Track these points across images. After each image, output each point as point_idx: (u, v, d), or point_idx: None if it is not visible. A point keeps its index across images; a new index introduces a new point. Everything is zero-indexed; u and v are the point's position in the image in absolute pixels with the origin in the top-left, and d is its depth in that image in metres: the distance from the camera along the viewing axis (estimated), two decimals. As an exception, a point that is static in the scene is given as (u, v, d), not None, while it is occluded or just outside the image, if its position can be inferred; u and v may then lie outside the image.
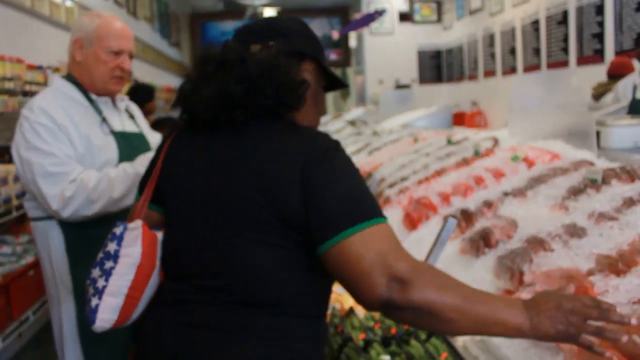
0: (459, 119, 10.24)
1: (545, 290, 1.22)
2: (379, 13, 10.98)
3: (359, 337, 1.72)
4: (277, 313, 1.27)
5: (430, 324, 1.18)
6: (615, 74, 5.52)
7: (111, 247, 1.36)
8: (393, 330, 1.73)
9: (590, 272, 1.59)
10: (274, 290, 1.26)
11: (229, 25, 15.67)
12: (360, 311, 1.88)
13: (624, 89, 4.67)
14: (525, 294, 1.67)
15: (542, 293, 1.21)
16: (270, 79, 1.27)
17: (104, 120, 2.35)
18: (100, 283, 1.32)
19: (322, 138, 1.31)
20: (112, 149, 2.34)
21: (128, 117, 2.55)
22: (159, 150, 1.46)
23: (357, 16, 11.92)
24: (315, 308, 1.34)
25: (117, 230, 1.38)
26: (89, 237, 2.20)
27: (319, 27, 15.60)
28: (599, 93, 5.59)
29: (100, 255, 1.37)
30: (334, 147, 1.29)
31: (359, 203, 1.22)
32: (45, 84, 4.47)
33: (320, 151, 1.26)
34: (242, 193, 1.25)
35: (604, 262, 1.62)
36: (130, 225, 1.39)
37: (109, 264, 1.34)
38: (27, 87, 4.42)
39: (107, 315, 1.33)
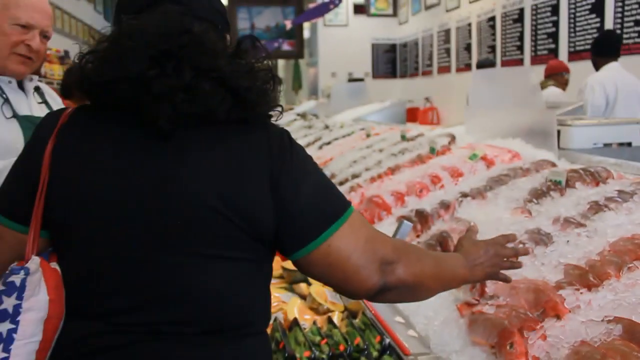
0: (412, 115, 10.18)
1: (472, 239, 1.31)
2: (334, 3, 10.77)
3: (304, 355, 1.53)
4: (241, 336, 1.06)
5: (413, 295, 1.20)
6: (552, 74, 5.92)
7: (8, 303, 1.00)
8: (342, 347, 1.55)
9: (560, 286, 1.44)
10: (238, 311, 1.06)
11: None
12: (305, 322, 1.69)
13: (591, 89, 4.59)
14: (487, 308, 1.52)
15: (470, 242, 1.29)
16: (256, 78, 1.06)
17: (6, 101, 2.00)
18: None
19: (273, 126, 1.12)
20: (16, 135, 1.97)
21: (38, 102, 2.16)
22: (35, 149, 1.08)
23: (311, 6, 11.70)
24: (268, 320, 1.15)
25: (16, 279, 1.02)
26: None
27: (272, 15, 15.21)
28: None
29: None
30: (290, 136, 1.12)
31: (331, 197, 1.11)
32: None
33: (283, 142, 1.08)
34: (196, 199, 1.01)
35: (574, 274, 1.47)
36: (31, 267, 1.03)
37: (5, 327, 0.99)
38: None
39: None
